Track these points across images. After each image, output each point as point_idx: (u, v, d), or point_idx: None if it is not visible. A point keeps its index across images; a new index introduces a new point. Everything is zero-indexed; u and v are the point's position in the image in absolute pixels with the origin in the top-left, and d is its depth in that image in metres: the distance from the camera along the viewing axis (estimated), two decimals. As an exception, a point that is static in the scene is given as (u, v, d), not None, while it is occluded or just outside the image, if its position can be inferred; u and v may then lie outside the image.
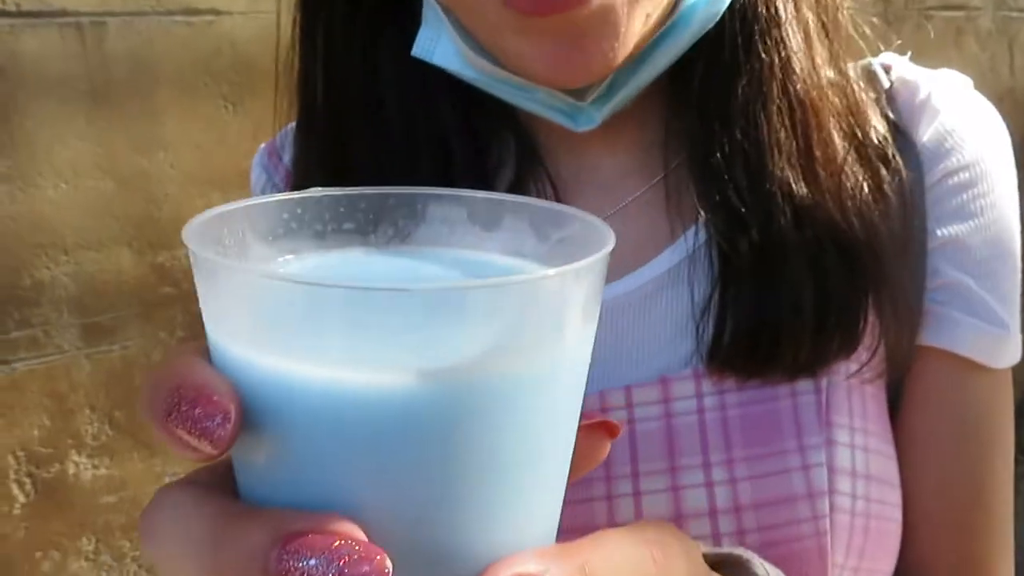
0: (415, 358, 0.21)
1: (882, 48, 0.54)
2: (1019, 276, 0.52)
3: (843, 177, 0.47)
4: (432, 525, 0.23)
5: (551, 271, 0.22)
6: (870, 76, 0.52)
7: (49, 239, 1.28)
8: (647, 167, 0.50)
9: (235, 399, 0.22)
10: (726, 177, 0.46)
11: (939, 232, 0.50)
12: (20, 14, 1.21)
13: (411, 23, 0.47)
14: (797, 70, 0.47)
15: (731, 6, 0.45)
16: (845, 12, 0.50)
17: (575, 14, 0.39)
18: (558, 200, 0.48)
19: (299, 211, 0.27)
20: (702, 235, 0.47)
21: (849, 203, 0.47)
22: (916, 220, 0.49)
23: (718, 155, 0.46)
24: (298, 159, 0.52)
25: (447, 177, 0.48)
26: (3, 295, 1.26)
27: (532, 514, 0.25)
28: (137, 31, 1.28)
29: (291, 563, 0.21)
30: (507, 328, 0.22)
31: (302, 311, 0.22)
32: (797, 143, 0.47)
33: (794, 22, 0.47)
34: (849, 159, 0.47)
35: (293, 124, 0.54)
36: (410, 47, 0.46)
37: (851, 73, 0.50)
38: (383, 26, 0.48)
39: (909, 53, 0.55)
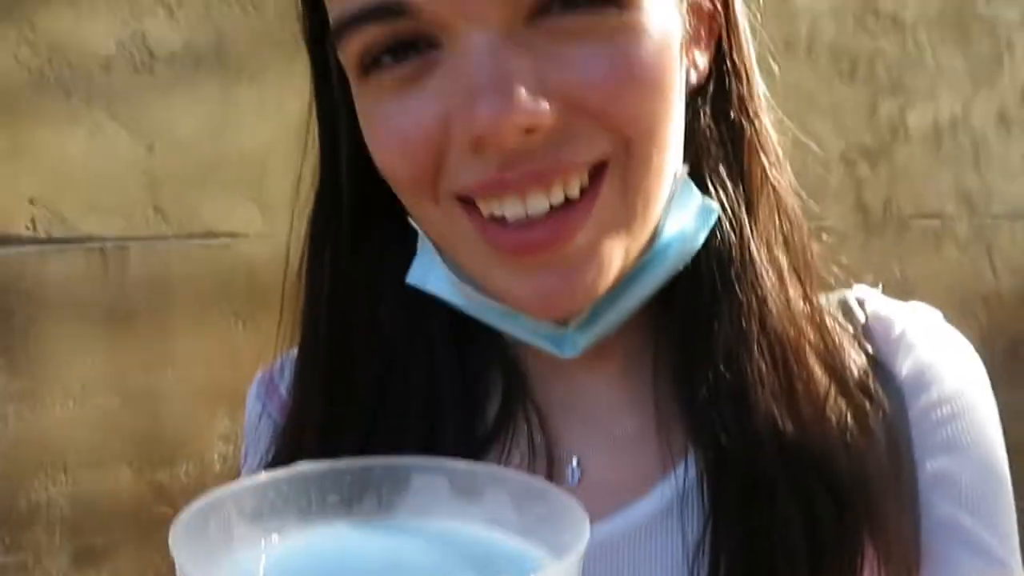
0: None
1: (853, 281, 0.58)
2: (1013, 508, 0.51)
3: (827, 411, 0.48)
4: None
5: None
6: (846, 310, 0.54)
7: (50, 458, 1.28)
8: (636, 400, 0.51)
9: None
10: (713, 414, 0.47)
11: (928, 465, 0.50)
12: (49, 240, 1.30)
13: (411, 253, 0.50)
14: (773, 310, 0.49)
15: (707, 246, 0.48)
16: (814, 255, 0.52)
17: (559, 250, 0.42)
18: (545, 433, 0.50)
19: (285, 488, 0.28)
20: (692, 471, 0.48)
21: (835, 437, 0.47)
22: (904, 453, 0.50)
23: (704, 391, 0.48)
24: (297, 386, 0.54)
25: (438, 407, 0.49)
26: (-3, 517, 1.24)
27: None
28: (157, 254, 1.35)
29: None
30: None
31: None
32: (779, 379, 0.48)
33: (767, 264, 0.49)
34: (832, 393, 0.49)
35: (293, 350, 0.55)
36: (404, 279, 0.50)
37: (827, 307, 0.53)
38: (385, 256, 0.51)
39: (878, 287, 0.58)
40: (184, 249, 1.36)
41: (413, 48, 0.41)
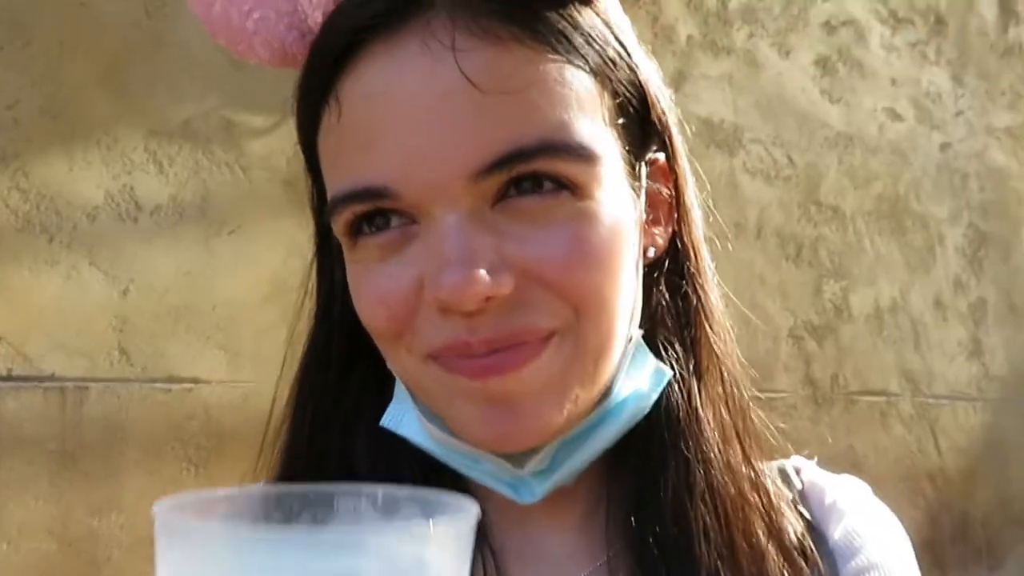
0: None
1: (792, 449, 0.62)
2: None
3: (766, 567, 0.51)
4: None
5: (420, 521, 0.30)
6: (784, 477, 0.58)
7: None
8: (590, 549, 0.53)
9: None
10: (661, 568, 0.49)
11: None
12: (9, 378, 1.30)
13: (385, 400, 0.53)
14: (717, 468, 0.52)
15: (658, 405, 0.51)
16: (754, 421, 0.56)
17: (511, 380, 0.45)
18: None
19: (239, 502, 0.33)
20: None
21: None
22: None
23: (653, 545, 0.50)
24: None
25: None
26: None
27: None
28: (116, 396, 1.36)
29: None
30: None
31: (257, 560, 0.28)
32: (722, 534, 0.51)
33: (713, 425, 0.52)
34: (771, 550, 0.51)
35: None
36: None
37: (768, 472, 0.56)
38: (362, 401, 0.54)
39: (814, 459, 0.62)
40: (144, 392, 1.37)
41: (395, 218, 0.46)
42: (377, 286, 0.46)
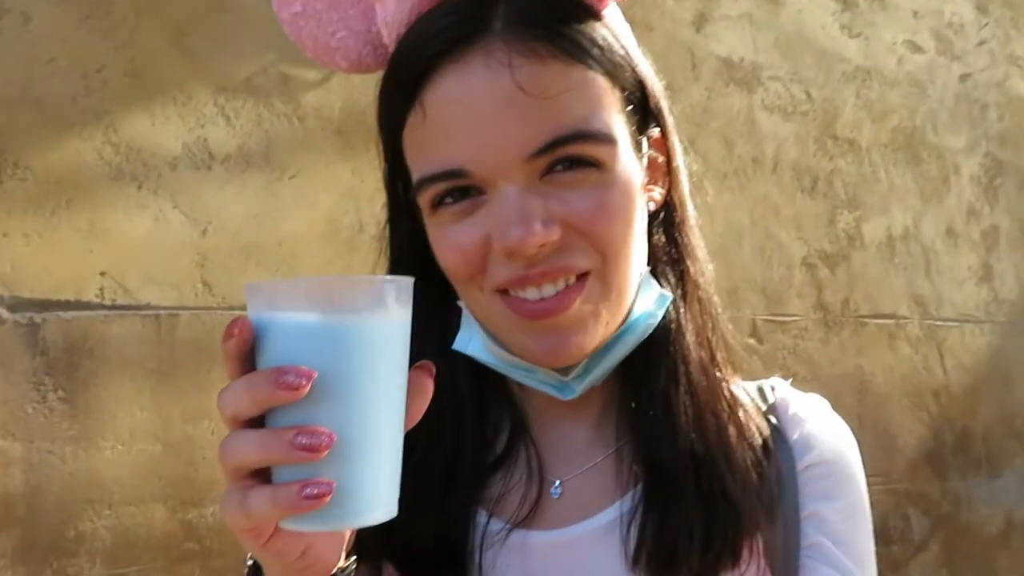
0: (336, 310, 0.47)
1: (768, 372, 0.77)
2: (870, 542, 0.70)
3: (731, 451, 0.66)
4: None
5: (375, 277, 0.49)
6: (762, 392, 0.73)
7: (98, 495, 1.46)
8: (603, 440, 0.69)
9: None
10: (652, 443, 0.66)
11: (808, 507, 0.68)
12: (113, 307, 1.52)
13: (444, 329, 0.68)
14: (694, 366, 0.67)
15: (663, 321, 0.66)
16: (725, 332, 0.71)
17: (559, 318, 0.61)
18: (539, 462, 0.68)
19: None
20: (638, 492, 0.66)
21: (737, 470, 0.66)
22: (791, 495, 0.68)
23: (648, 427, 0.66)
24: None
25: (461, 435, 0.67)
26: (48, 544, 1.41)
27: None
28: (202, 322, 1.57)
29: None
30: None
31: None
32: (695, 411, 0.66)
33: (692, 333, 0.68)
34: (739, 441, 0.67)
35: None
36: (447, 344, 0.67)
37: (751, 389, 0.72)
38: (431, 332, 0.67)
39: (790, 381, 0.75)
40: (225, 318, 1.58)
41: (466, 193, 0.60)
42: (456, 241, 0.61)
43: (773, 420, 0.70)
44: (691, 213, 0.71)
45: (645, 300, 0.65)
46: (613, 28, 0.64)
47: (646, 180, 0.65)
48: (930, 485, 2.56)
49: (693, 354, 0.67)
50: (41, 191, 1.49)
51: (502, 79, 0.57)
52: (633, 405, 0.67)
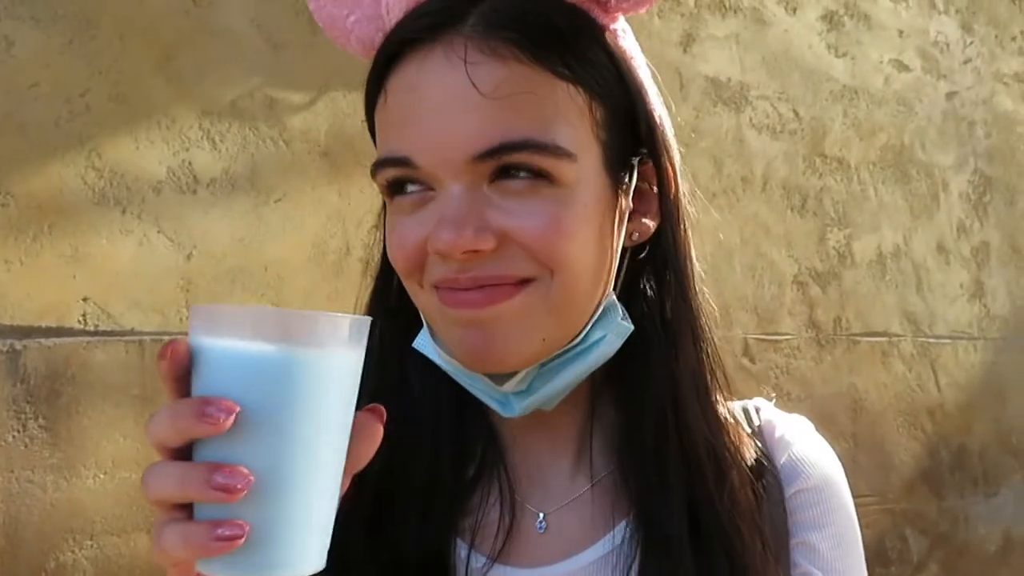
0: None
1: (763, 391, 0.74)
2: (863, 567, 0.68)
3: (729, 485, 0.63)
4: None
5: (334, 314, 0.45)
6: (746, 414, 0.71)
7: (80, 525, 1.43)
8: (585, 469, 0.66)
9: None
10: (643, 489, 0.62)
11: (797, 535, 0.66)
12: (96, 333, 1.50)
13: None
14: (688, 406, 0.63)
15: (637, 353, 0.63)
16: (722, 366, 0.67)
17: (485, 313, 0.57)
18: (517, 494, 0.65)
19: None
20: (628, 531, 0.63)
21: (730, 500, 0.62)
22: (779, 524, 0.66)
23: (632, 468, 0.63)
24: None
25: (439, 449, 0.65)
26: (28, 576, 1.38)
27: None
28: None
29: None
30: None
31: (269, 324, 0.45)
32: (690, 460, 0.63)
33: (685, 374, 0.64)
34: (733, 473, 0.64)
35: None
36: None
37: (736, 411, 0.69)
38: (415, 329, 0.65)
39: (773, 401, 0.73)
40: (211, 343, 1.56)
41: (419, 184, 0.58)
42: (400, 235, 0.59)
43: (759, 444, 0.68)
44: (686, 249, 0.66)
45: (604, 328, 0.62)
46: (614, 45, 0.62)
47: (629, 208, 0.62)
48: (927, 504, 2.54)
49: (683, 382, 0.64)
50: (23, 216, 1.48)
51: (457, 73, 0.56)
52: (617, 433, 0.64)
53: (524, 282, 0.58)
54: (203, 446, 0.44)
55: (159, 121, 1.60)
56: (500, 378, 0.61)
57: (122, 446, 1.48)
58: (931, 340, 2.62)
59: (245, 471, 0.42)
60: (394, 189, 0.60)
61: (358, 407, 0.47)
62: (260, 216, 1.66)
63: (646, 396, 0.63)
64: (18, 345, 1.44)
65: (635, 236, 0.64)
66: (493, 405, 0.62)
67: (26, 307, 1.46)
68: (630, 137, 0.62)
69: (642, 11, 0.62)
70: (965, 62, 2.95)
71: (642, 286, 0.65)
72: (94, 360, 1.49)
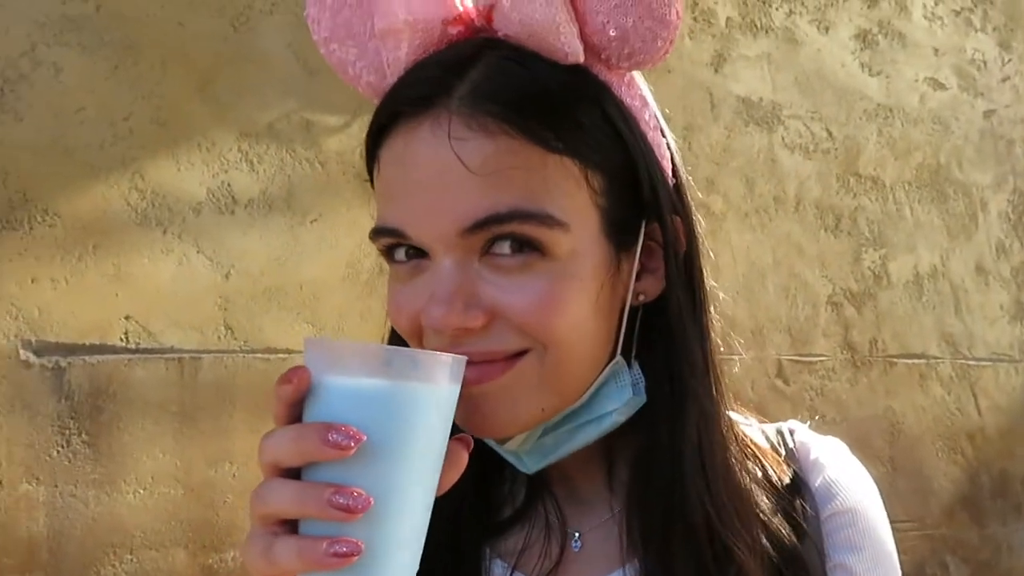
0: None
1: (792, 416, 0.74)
2: None
3: (747, 505, 0.62)
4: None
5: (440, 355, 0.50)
6: (780, 436, 0.71)
7: (120, 539, 1.46)
8: (618, 491, 0.66)
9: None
10: (661, 528, 0.62)
11: (833, 557, 0.66)
12: (137, 351, 1.53)
13: None
14: (714, 441, 0.63)
15: (650, 411, 0.62)
16: (736, 430, 0.66)
17: (473, 390, 0.57)
18: (559, 516, 0.66)
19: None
20: (654, 556, 0.62)
21: (765, 541, 0.62)
22: (815, 546, 0.65)
23: (659, 498, 0.62)
24: None
25: (476, 486, 0.65)
26: (68, 589, 1.41)
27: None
28: (224, 365, 1.58)
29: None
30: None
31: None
32: (715, 489, 0.62)
33: (687, 438, 0.62)
34: (764, 504, 0.63)
35: None
36: None
37: (769, 433, 0.70)
38: None
39: (808, 424, 0.73)
40: (247, 362, 1.59)
41: (413, 251, 0.58)
42: (398, 303, 0.60)
43: (794, 467, 0.68)
44: (691, 308, 0.64)
45: (614, 399, 0.62)
46: (615, 104, 0.60)
47: (636, 269, 0.61)
48: (968, 531, 2.48)
49: (682, 461, 0.63)
50: (69, 237, 1.52)
51: (443, 150, 0.55)
52: (639, 464, 0.64)
53: (517, 355, 0.58)
54: (316, 468, 0.47)
55: (199, 143, 1.64)
56: (498, 440, 0.62)
57: (161, 462, 1.51)
58: (971, 362, 2.57)
59: (364, 494, 0.46)
60: (390, 255, 0.60)
61: None
62: (296, 236, 1.69)
63: (653, 465, 0.63)
64: (63, 362, 1.48)
65: (642, 297, 0.62)
66: (511, 460, 0.63)
67: (71, 325, 1.50)
68: (633, 198, 0.61)
69: (648, 68, 0.60)
70: (1003, 80, 2.91)
71: (648, 344, 0.63)
72: (135, 377, 1.52)
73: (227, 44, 1.69)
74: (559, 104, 0.57)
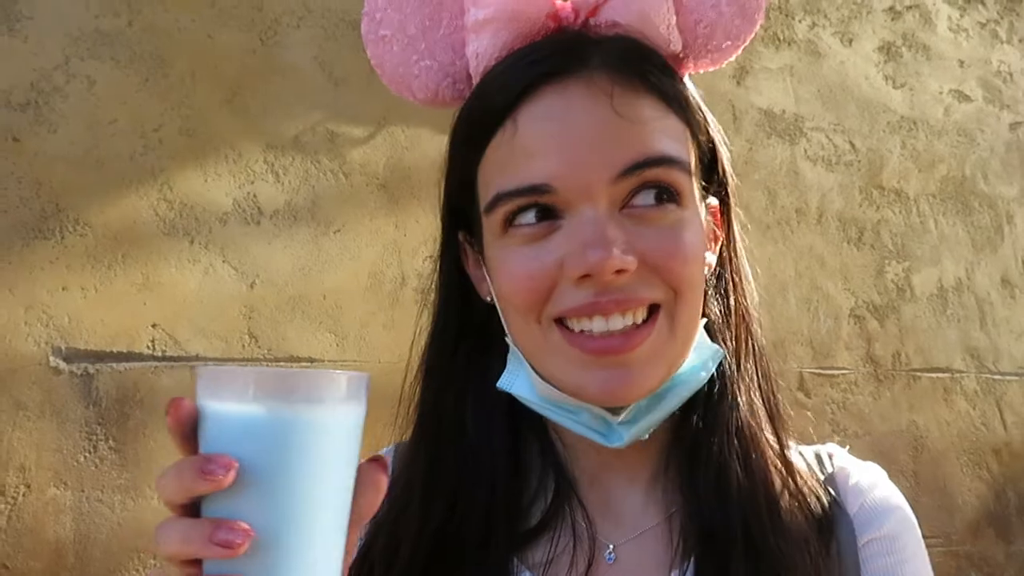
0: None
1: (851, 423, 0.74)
2: None
3: (784, 523, 0.63)
4: None
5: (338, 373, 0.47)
6: (819, 459, 0.71)
7: (145, 544, 1.48)
8: (657, 504, 0.67)
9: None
10: (707, 521, 0.63)
11: None
12: (164, 358, 1.56)
13: (483, 377, 0.68)
14: (749, 438, 0.65)
15: (712, 383, 0.65)
16: (781, 402, 0.69)
17: (626, 356, 0.60)
18: (589, 526, 0.66)
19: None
20: (694, 564, 0.63)
21: (792, 545, 0.63)
22: (851, 570, 0.65)
23: (699, 501, 0.64)
24: (400, 471, 0.70)
25: (500, 492, 0.65)
26: (94, 593, 1.43)
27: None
28: (249, 373, 1.60)
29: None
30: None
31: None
32: (750, 492, 0.64)
33: (745, 401, 0.66)
34: (795, 512, 0.65)
35: (394, 444, 0.73)
36: (487, 389, 0.67)
37: (808, 456, 0.70)
38: (470, 375, 0.68)
39: (847, 448, 0.73)
40: (271, 370, 1.61)
41: (543, 215, 0.60)
42: (523, 266, 0.60)
43: (832, 491, 0.68)
44: (749, 280, 0.70)
45: (698, 353, 0.65)
46: (694, 93, 0.67)
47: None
48: (994, 548, 2.44)
49: (749, 420, 0.66)
50: (99, 246, 1.55)
51: (601, 103, 0.60)
52: (687, 470, 0.65)
53: (653, 313, 0.61)
54: (209, 503, 0.45)
55: (226, 155, 1.66)
56: (615, 409, 0.63)
57: (185, 468, 1.53)
58: (996, 377, 2.53)
59: (245, 526, 0.43)
60: (511, 220, 0.61)
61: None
62: (320, 246, 1.71)
63: (716, 427, 0.65)
64: (91, 369, 1.51)
65: (704, 269, 0.66)
66: (593, 436, 0.64)
67: (99, 332, 1.52)
68: (708, 175, 0.66)
69: (711, 68, 0.67)
70: (1029, 92, 2.88)
71: (709, 313, 0.68)
72: (161, 384, 1.54)
73: (255, 57, 1.72)
74: (671, 79, 0.64)
